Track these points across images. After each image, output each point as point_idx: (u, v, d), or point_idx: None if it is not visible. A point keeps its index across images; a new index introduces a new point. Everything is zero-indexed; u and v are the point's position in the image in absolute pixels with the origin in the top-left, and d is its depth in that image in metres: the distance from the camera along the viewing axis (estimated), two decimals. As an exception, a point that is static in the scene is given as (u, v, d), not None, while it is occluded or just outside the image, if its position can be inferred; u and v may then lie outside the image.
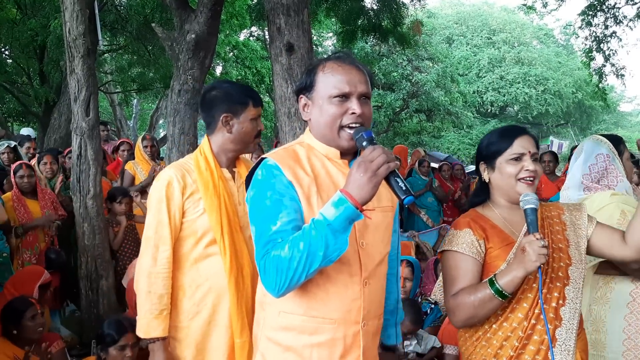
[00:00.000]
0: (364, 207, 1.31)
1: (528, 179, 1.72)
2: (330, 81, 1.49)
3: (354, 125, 1.47)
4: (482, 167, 1.83)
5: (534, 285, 1.66)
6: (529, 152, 1.74)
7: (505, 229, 1.75)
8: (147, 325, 1.91)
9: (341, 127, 1.49)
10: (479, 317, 1.69)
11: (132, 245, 4.33)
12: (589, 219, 1.79)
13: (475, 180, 6.78)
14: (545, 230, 1.74)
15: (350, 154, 1.55)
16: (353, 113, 1.47)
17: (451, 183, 7.08)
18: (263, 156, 1.52)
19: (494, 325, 1.70)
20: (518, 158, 1.74)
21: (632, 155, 2.77)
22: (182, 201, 1.96)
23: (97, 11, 6.11)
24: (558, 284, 1.68)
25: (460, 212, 7.13)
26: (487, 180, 1.82)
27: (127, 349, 2.54)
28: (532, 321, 1.65)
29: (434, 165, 8.00)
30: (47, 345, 2.78)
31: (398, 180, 1.34)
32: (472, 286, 1.68)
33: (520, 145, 1.75)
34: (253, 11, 9.43)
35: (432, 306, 3.43)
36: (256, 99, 2.07)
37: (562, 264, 1.70)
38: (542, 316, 1.63)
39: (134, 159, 5.31)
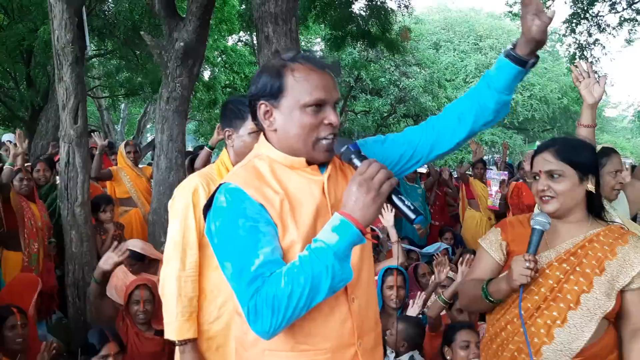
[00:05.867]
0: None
1: (542, 197, 1.74)
2: (304, 87, 1.30)
3: (330, 137, 1.32)
4: None
5: (536, 297, 1.70)
6: (540, 171, 1.73)
7: None
8: (180, 328, 1.96)
9: (317, 140, 1.32)
10: (473, 309, 1.93)
11: (119, 252, 4.32)
12: None
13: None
14: (581, 252, 1.70)
15: (318, 162, 1.38)
16: (330, 124, 1.31)
17: (437, 188, 7.12)
18: (223, 180, 1.34)
19: (495, 322, 1.80)
20: (535, 178, 1.76)
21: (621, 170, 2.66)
22: None
23: (85, 17, 6.10)
24: (561, 305, 1.66)
25: (451, 218, 7.20)
26: None
27: (109, 359, 2.54)
28: (521, 329, 1.67)
29: (422, 170, 8.05)
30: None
31: (402, 198, 1.21)
32: (476, 281, 1.80)
33: (535, 164, 1.76)
34: (243, 19, 9.46)
35: (420, 316, 3.46)
36: None
37: (576, 287, 1.66)
38: (532, 328, 1.68)
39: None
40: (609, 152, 2.45)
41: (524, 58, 1.37)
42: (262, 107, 1.35)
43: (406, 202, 1.20)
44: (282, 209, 1.29)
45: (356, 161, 1.27)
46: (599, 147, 2.46)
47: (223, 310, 2.02)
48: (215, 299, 2.02)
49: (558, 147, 1.73)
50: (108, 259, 2.97)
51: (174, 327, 1.97)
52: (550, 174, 1.71)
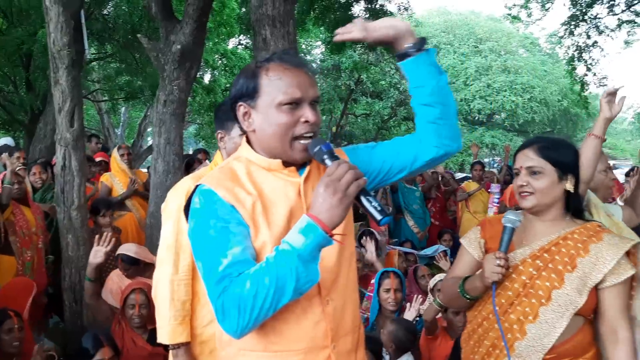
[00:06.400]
0: (334, 232, 1.18)
1: (521, 193, 1.76)
2: (278, 86, 1.29)
3: (307, 135, 1.31)
4: None
5: (510, 292, 1.73)
6: (521, 167, 1.77)
7: (514, 237, 1.75)
8: (173, 332, 1.94)
9: (294, 138, 1.31)
10: (454, 305, 2.01)
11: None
12: (616, 270, 1.65)
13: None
14: (555, 249, 1.72)
15: (297, 164, 1.37)
16: (306, 121, 1.30)
17: (437, 189, 7.12)
18: (198, 182, 1.36)
19: (472, 320, 1.86)
20: (517, 174, 1.79)
21: (610, 167, 2.78)
22: None
23: (83, 20, 6.09)
24: (533, 301, 1.69)
25: (451, 220, 7.20)
26: None
27: None
28: (495, 325, 1.72)
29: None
30: None
31: (370, 199, 1.20)
32: (457, 278, 1.85)
33: (517, 160, 1.80)
34: (242, 21, 9.47)
35: (417, 318, 3.45)
36: None
37: (547, 283, 1.69)
38: (505, 324, 1.72)
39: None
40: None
41: (401, 51, 1.43)
42: (240, 108, 1.37)
43: (373, 203, 1.20)
44: (254, 210, 1.29)
45: (328, 162, 1.25)
46: None
47: None
48: (208, 302, 2.00)
49: (540, 145, 1.75)
50: (97, 252, 2.97)
51: (166, 330, 1.95)
52: (531, 171, 1.74)
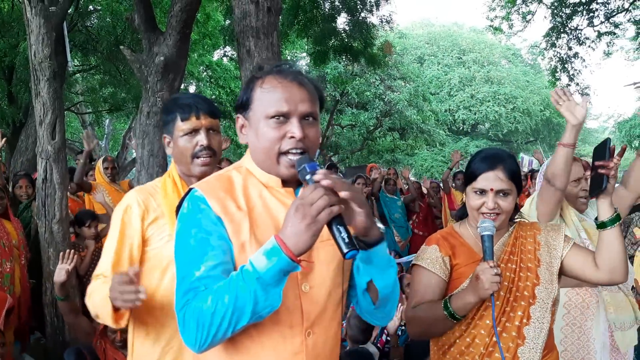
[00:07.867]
0: (302, 258, 1.11)
1: (487, 214, 1.74)
2: (268, 99, 1.26)
3: (295, 151, 1.25)
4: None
5: (498, 302, 1.71)
6: (491, 189, 1.73)
7: (475, 247, 1.78)
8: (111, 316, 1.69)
9: (281, 154, 1.26)
10: (432, 333, 1.78)
11: (99, 269, 4.24)
12: (565, 240, 1.78)
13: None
14: (516, 249, 1.77)
15: (294, 181, 1.31)
16: (292, 137, 1.24)
17: (421, 200, 7.16)
18: (192, 186, 1.31)
19: (457, 340, 1.75)
20: (481, 192, 1.76)
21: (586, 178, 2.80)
22: (143, 227, 1.78)
23: (66, 32, 6.06)
24: (523, 303, 1.71)
25: (433, 228, 7.21)
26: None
27: None
28: (494, 339, 1.68)
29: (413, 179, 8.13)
30: None
31: (341, 229, 1.11)
32: (430, 303, 1.73)
33: (485, 180, 1.75)
34: (226, 32, 9.50)
35: (403, 327, 3.43)
36: (186, 109, 1.80)
37: (528, 283, 1.73)
38: (504, 334, 1.70)
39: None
40: None
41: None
42: (238, 120, 1.34)
43: (342, 234, 1.11)
44: (241, 227, 1.24)
45: (310, 182, 1.17)
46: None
47: (167, 349, 1.81)
48: (159, 337, 1.82)
49: (506, 165, 1.76)
50: (60, 271, 2.91)
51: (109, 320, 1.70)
52: (502, 193, 1.75)
